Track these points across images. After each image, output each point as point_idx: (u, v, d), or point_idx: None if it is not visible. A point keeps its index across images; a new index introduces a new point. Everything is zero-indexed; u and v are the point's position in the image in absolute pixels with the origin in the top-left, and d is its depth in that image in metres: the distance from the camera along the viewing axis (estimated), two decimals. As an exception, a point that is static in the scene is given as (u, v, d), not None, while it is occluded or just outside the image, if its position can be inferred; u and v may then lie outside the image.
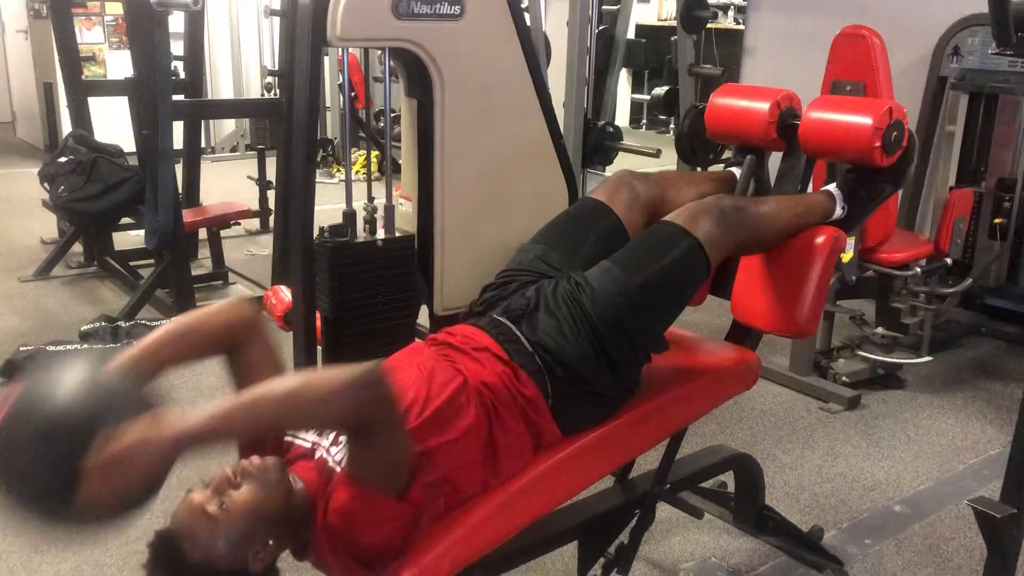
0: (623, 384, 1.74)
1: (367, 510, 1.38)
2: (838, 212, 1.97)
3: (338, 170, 7.29)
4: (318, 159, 6.37)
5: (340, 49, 3.05)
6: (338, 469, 1.46)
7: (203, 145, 6.22)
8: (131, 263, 4.63)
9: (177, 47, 4.40)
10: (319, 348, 2.49)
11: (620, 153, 4.21)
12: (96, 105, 4.91)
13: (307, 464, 1.51)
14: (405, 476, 1.40)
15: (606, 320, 1.68)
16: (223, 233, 4.64)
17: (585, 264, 1.80)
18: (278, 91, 5.12)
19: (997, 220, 3.79)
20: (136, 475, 1.19)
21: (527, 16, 3.14)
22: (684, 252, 1.74)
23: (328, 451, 1.51)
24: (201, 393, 3.31)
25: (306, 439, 1.57)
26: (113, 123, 5.37)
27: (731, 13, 7.58)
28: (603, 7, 5.75)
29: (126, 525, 1.30)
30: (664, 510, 2.25)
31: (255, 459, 1.43)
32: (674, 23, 5.07)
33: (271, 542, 1.41)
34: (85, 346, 3.49)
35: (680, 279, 1.77)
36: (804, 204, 1.97)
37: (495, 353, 1.65)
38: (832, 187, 1.99)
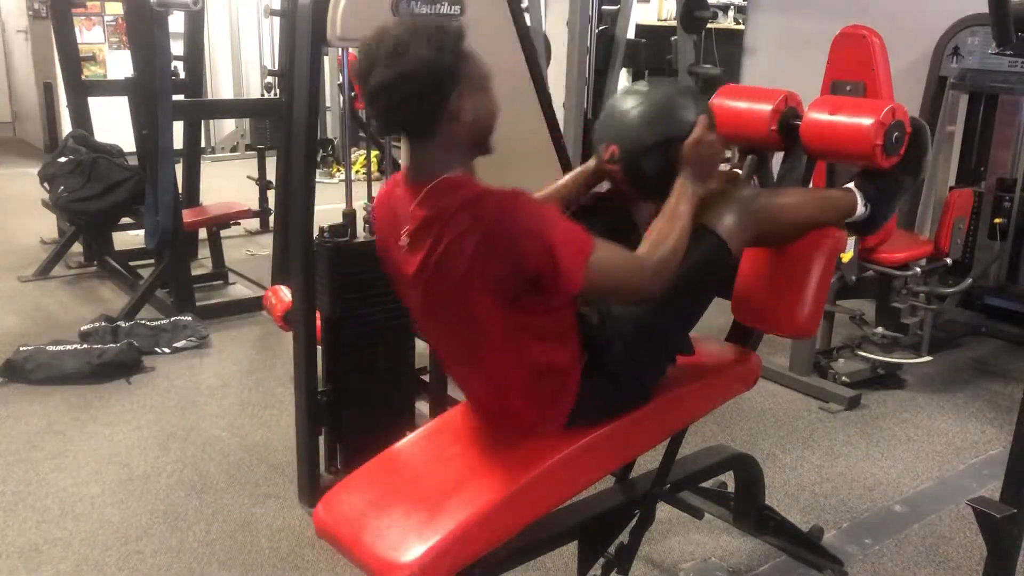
0: (643, 390, 1.75)
1: (561, 227, 1.51)
2: (860, 210, 1.94)
3: (338, 170, 7.29)
4: (318, 159, 6.36)
5: (340, 49, 3.05)
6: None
7: (203, 145, 6.22)
8: (131, 263, 4.63)
9: (177, 47, 4.40)
10: (319, 348, 2.49)
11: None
12: (96, 105, 4.91)
13: None
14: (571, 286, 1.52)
15: (635, 327, 1.68)
16: (223, 233, 4.63)
17: None
18: (278, 91, 5.12)
19: (997, 220, 3.79)
20: (711, 158, 1.70)
21: (527, 16, 3.14)
22: (708, 249, 1.72)
23: None
24: (201, 393, 3.32)
25: None
26: (113, 123, 5.37)
27: (731, 13, 7.57)
28: (603, 7, 5.75)
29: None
30: (664, 510, 2.24)
31: None
32: (674, 23, 5.07)
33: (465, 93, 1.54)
34: (84, 346, 3.49)
35: (705, 277, 1.76)
36: (826, 198, 1.96)
37: None
38: (851, 185, 1.97)
